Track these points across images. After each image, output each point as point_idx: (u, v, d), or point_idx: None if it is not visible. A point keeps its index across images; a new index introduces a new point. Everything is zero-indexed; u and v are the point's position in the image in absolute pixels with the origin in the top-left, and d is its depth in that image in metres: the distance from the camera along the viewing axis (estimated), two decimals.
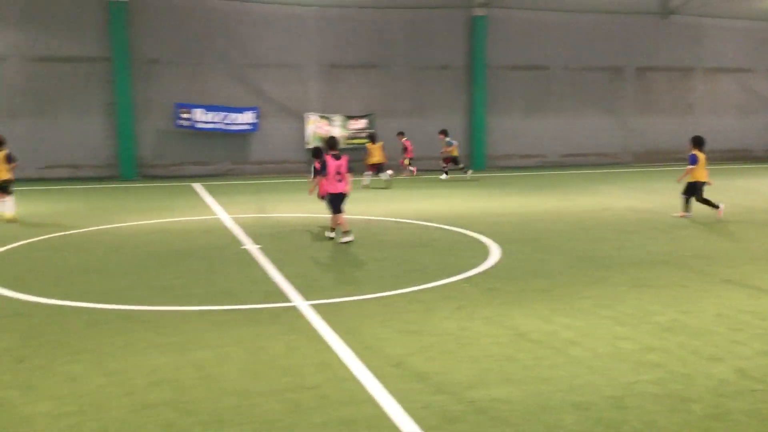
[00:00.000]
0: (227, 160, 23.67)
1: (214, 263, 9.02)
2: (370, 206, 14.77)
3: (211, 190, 18.25)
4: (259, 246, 10.03)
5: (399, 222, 12.55)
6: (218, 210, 14.39)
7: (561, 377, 4.85)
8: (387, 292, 7.34)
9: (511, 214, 13.39)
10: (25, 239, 10.78)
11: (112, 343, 5.71)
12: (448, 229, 11.62)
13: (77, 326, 6.21)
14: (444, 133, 21.86)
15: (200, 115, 22.76)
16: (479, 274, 8.20)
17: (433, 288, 7.54)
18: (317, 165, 10.88)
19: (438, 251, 9.78)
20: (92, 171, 22.02)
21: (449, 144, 21.49)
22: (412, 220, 12.74)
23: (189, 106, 22.62)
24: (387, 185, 19.37)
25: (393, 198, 16.60)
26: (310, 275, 8.24)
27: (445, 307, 6.75)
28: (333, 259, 9.30)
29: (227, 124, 23.01)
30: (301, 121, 24.16)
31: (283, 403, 4.48)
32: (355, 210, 14.15)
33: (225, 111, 23.04)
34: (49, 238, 10.98)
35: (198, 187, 19.41)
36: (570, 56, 26.74)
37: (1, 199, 12.95)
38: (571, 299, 6.97)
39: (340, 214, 10.41)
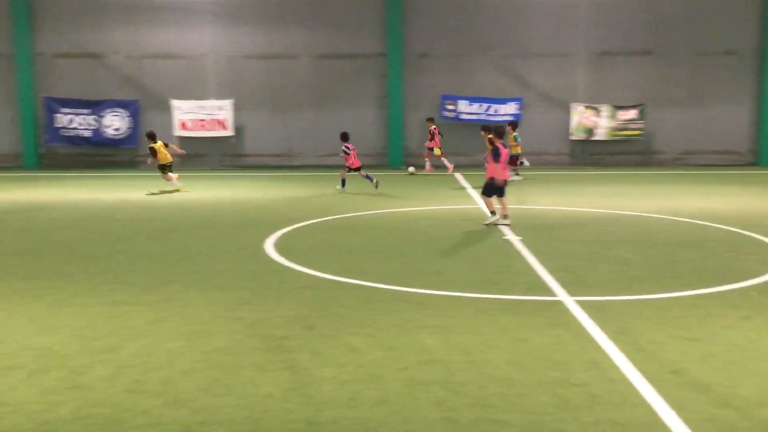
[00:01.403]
0: (487, 150, 23.89)
1: (476, 252, 9.21)
2: (639, 202, 13.98)
3: (472, 181, 18.60)
4: (520, 237, 10.02)
5: (672, 219, 11.70)
6: (479, 200, 14.63)
7: None
8: (660, 294, 6.90)
9: None
10: (309, 220, 11.93)
11: (386, 320, 6.10)
12: (726, 230, 10.57)
13: (356, 302, 6.74)
14: (513, 126, 19.16)
15: (464, 107, 23.29)
16: None
17: (712, 293, 6.92)
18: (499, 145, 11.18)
19: (717, 253, 8.94)
20: (364, 160, 23.66)
21: (516, 140, 18.82)
22: (684, 218, 11.80)
23: (454, 98, 23.26)
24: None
25: (667, 194, 15.51)
26: (575, 270, 8.02)
27: (728, 315, 6.16)
28: (599, 255, 8.96)
29: (490, 114, 23.25)
30: (566, 112, 23.58)
31: (551, 397, 4.43)
32: (625, 205, 13.49)
33: (488, 102, 23.30)
34: (329, 219, 12.03)
35: (459, 176, 19.89)
36: None
37: (165, 178, 16.45)
38: None
39: (497, 199, 11.14)
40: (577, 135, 23.62)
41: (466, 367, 4.96)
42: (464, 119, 23.33)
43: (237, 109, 23.11)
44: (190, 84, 23.31)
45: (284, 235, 10.51)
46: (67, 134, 22.98)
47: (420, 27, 23.31)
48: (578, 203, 13.97)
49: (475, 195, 15.39)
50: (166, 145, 16.66)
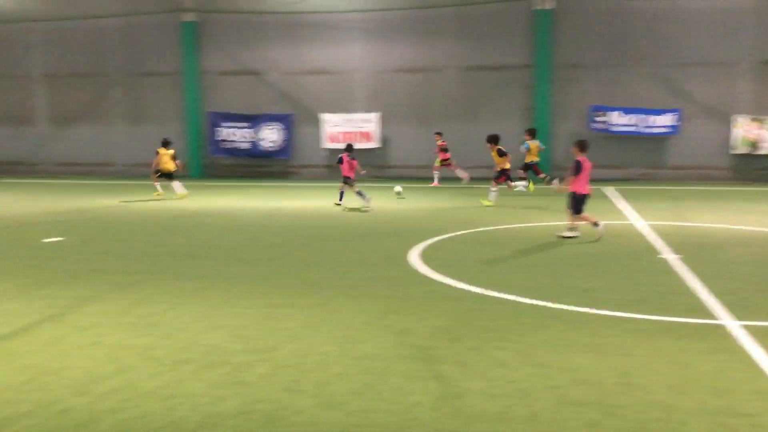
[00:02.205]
0: (641, 164, 22.89)
1: (629, 269, 8.82)
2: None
3: (624, 195, 17.84)
4: (679, 256, 9.48)
5: None
6: (631, 215, 14.01)
7: None
8: None
9: None
10: (454, 232, 11.95)
11: (535, 336, 5.99)
12: None
13: (502, 315, 6.67)
14: (531, 133, 18.72)
15: (616, 118, 22.43)
16: None
17: None
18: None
19: None
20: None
21: (527, 148, 18.46)
22: None
23: (605, 109, 22.47)
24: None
25: None
26: (741, 293, 7.48)
27: None
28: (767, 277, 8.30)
29: (644, 127, 22.24)
30: (726, 124, 22.08)
31: (715, 426, 4.16)
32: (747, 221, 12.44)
33: (643, 113, 22.30)
34: (473, 232, 12.00)
35: (609, 191, 19.15)
36: None
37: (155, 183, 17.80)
38: None
39: (582, 215, 11.03)
40: (741, 149, 22.02)
41: (623, 389, 4.76)
42: (616, 131, 22.46)
43: (384, 121, 23.67)
44: (340, 98, 24.17)
45: (429, 246, 10.61)
46: (227, 146, 24.56)
47: (570, 37, 22.76)
48: (744, 221, 13.02)
49: (628, 210, 14.76)
50: (174, 158, 17.81)
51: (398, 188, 17.93)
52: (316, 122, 24.02)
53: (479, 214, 14.27)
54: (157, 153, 17.89)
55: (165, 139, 18.53)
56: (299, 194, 18.66)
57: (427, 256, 9.70)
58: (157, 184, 18.04)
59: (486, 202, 15.83)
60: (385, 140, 23.92)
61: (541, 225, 12.76)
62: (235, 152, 24.68)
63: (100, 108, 25.88)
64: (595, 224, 11.11)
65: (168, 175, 17.84)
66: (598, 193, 18.57)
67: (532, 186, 18.82)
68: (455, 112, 23.72)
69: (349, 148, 16.07)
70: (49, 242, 11.13)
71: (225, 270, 8.93)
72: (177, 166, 17.98)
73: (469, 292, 7.64)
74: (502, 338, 5.94)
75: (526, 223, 12.93)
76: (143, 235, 11.99)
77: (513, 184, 17.73)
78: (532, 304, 7.06)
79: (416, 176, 23.69)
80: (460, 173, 20.94)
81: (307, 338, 6.00)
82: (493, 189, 15.98)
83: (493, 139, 16.41)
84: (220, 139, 24.55)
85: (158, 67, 25.18)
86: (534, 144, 18.61)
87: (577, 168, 10.98)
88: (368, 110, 23.85)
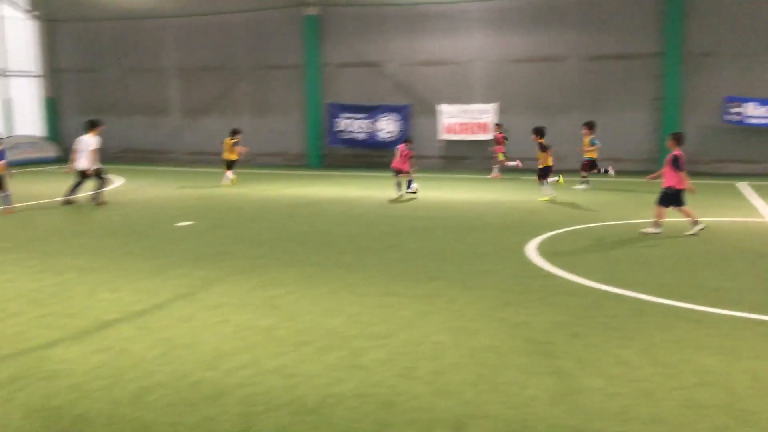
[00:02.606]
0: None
1: (763, 270, 8.27)
2: None
3: (759, 191, 16.71)
4: None
5: None
6: (767, 213, 13.11)
7: None
8: None
9: None
10: (573, 225, 11.64)
11: (659, 335, 5.75)
12: None
13: (624, 313, 6.45)
14: (589, 127, 17.91)
15: (752, 109, 20.98)
16: None
17: None
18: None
19: None
20: (633, 165, 22.46)
21: (593, 143, 17.70)
22: None
23: (740, 100, 21.07)
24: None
25: None
26: None
27: None
28: None
29: None
30: None
31: None
32: None
33: None
34: (593, 226, 11.63)
35: (743, 186, 17.99)
36: None
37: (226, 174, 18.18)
38: None
39: (685, 209, 10.68)
40: None
41: (755, 394, 4.50)
42: (752, 123, 21.02)
43: (501, 112, 23.34)
44: (457, 89, 24.05)
45: (547, 239, 10.39)
46: (345, 137, 25.07)
47: (703, 23, 21.49)
48: None
49: (763, 207, 13.82)
50: (235, 146, 18.52)
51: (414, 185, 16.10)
52: (432, 113, 24.03)
53: (599, 208, 13.80)
54: (224, 143, 18.70)
55: (234, 129, 19.34)
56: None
57: (544, 250, 9.52)
58: (228, 173, 18.82)
59: (543, 198, 15.32)
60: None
61: (666, 221, 12.17)
62: (352, 143, 25.15)
63: (227, 100, 27.08)
64: (696, 222, 10.64)
65: (230, 164, 18.69)
66: (730, 189, 17.50)
67: (562, 179, 17.56)
68: (577, 103, 23.00)
69: (407, 139, 16.30)
70: (180, 226, 11.81)
71: (342, 257, 9.15)
72: (239, 154, 18.87)
73: (589, 287, 7.43)
74: (624, 336, 5.74)
75: (637, 219, 12.39)
76: (265, 221, 12.48)
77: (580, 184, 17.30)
78: (656, 302, 6.78)
79: (535, 169, 23.19)
80: (496, 170, 21.14)
81: (422, 327, 6.06)
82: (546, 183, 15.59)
83: (538, 132, 15.75)
84: (338, 129, 25.10)
85: (282, 60, 26.02)
86: (587, 139, 18.00)
87: (676, 162, 10.53)
88: (485, 101, 23.60)
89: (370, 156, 25.33)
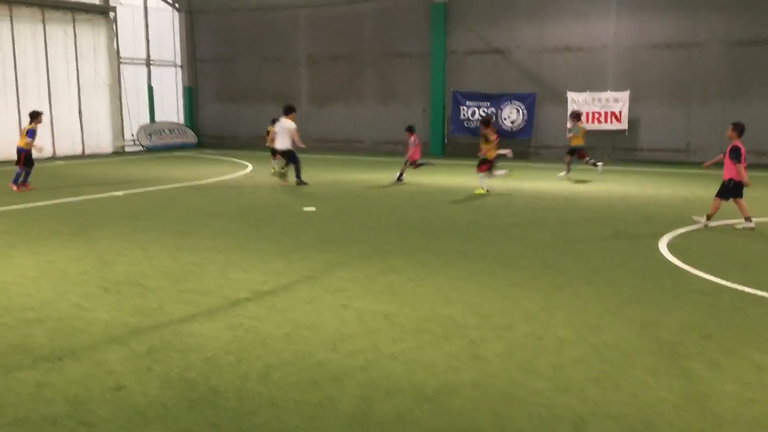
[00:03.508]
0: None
1: None
2: None
3: None
4: None
5: None
6: None
7: None
8: None
9: None
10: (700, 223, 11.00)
11: None
12: None
13: (764, 316, 6.03)
14: (576, 116, 18.38)
15: None
16: None
17: None
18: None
19: None
20: None
21: (577, 132, 17.91)
22: None
23: None
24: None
25: None
26: None
27: None
28: None
29: None
30: None
31: None
32: None
33: None
34: (731, 222, 10.91)
35: None
36: None
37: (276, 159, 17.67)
38: None
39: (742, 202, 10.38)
40: None
41: None
42: None
43: (633, 101, 22.34)
44: (588, 76, 23.23)
45: (680, 235, 9.88)
46: (468, 125, 24.89)
47: None
48: None
49: None
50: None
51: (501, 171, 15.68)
52: (560, 101, 23.36)
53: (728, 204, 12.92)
54: (268, 132, 18.49)
55: (274, 118, 19.17)
56: (539, 175, 18.38)
57: (677, 246, 9.05)
58: (274, 161, 18.63)
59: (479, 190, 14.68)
60: (632, 122, 22.58)
61: None
62: (475, 131, 24.91)
63: (353, 88, 27.60)
64: (748, 218, 10.29)
65: (275, 152, 18.39)
66: None
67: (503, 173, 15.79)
68: (719, 91, 21.60)
69: (486, 121, 14.89)
70: (307, 211, 12.20)
71: (462, 246, 9.12)
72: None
73: (725, 287, 7.01)
74: (763, 340, 5.38)
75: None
76: (386, 208, 12.64)
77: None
78: None
79: (668, 161, 22.09)
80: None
81: (543, 320, 5.94)
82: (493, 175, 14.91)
83: (486, 122, 14.78)
84: (462, 118, 24.95)
85: (408, 48, 26.17)
86: (581, 128, 18.18)
87: (738, 153, 10.16)
88: (617, 89, 22.65)
89: None
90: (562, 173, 18.21)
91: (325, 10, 27.47)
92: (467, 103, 24.82)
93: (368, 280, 7.34)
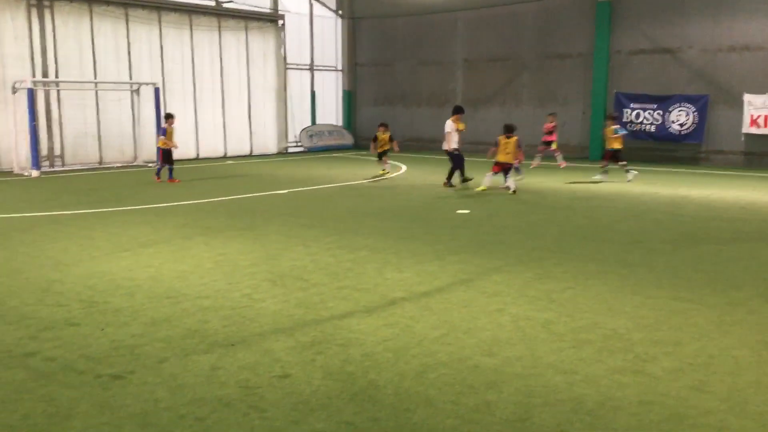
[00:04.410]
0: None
1: None
2: None
3: None
4: None
5: None
6: None
7: None
8: None
9: None
10: None
11: None
12: None
13: None
14: (612, 118, 18.08)
15: None
16: None
17: None
18: None
19: None
20: None
21: (616, 132, 17.18)
22: None
23: None
24: None
25: None
26: None
27: None
28: None
29: None
30: None
31: None
32: None
33: None
34: None
35: None
36: None
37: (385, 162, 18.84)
38: None
39: None
40: None
41: None
42: None
43: None
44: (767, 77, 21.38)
45: None
46: (632, 128, 23.72)
47: None
48: None
49: None
50: (391, 139, 18.81)
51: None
52: (735, 104, 21.66)
53: None
54: (375, 138, 19.01)
55: (382, 123, 19.52)
56: (711, 182, 17.17)
57: None
58: (385, 164, 19.06)
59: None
60: None
61: None
62: (639, 134, 23.71)
63: (509, 90, 27.24)
64: None
65: (381, 154, 18.89)
66: None
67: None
68: None
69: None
70: (460, 213, 12.20)
71: (625, 256, 8.71)
72: (392, 146, 19.00)
73: None
74: None
75: None
76: (542, 213, 12.33)
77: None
78: None
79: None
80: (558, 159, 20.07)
81: (716, 338, 5.54)
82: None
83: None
84: (626, 121, 23.83)
85: (569, 48, 25.40)
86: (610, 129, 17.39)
87: None
88: None
89: (659, 150, 23.72)
90: (597, 176, 17.58)
91: (485, 12, 27.33)
92: (631, 105, 23.68)
93: (525, 285, 7.20)
